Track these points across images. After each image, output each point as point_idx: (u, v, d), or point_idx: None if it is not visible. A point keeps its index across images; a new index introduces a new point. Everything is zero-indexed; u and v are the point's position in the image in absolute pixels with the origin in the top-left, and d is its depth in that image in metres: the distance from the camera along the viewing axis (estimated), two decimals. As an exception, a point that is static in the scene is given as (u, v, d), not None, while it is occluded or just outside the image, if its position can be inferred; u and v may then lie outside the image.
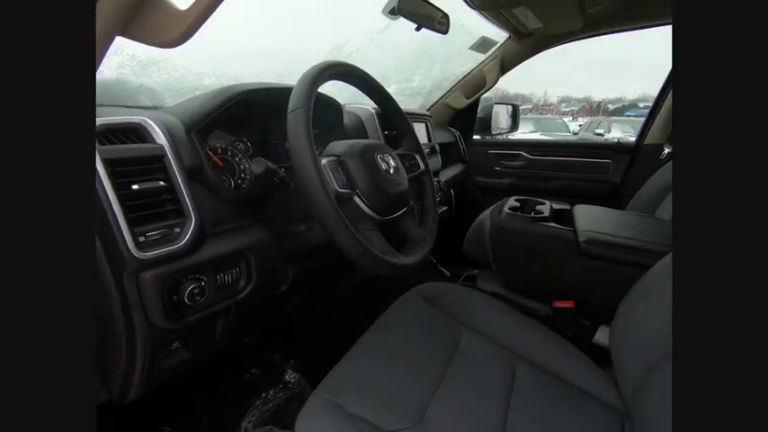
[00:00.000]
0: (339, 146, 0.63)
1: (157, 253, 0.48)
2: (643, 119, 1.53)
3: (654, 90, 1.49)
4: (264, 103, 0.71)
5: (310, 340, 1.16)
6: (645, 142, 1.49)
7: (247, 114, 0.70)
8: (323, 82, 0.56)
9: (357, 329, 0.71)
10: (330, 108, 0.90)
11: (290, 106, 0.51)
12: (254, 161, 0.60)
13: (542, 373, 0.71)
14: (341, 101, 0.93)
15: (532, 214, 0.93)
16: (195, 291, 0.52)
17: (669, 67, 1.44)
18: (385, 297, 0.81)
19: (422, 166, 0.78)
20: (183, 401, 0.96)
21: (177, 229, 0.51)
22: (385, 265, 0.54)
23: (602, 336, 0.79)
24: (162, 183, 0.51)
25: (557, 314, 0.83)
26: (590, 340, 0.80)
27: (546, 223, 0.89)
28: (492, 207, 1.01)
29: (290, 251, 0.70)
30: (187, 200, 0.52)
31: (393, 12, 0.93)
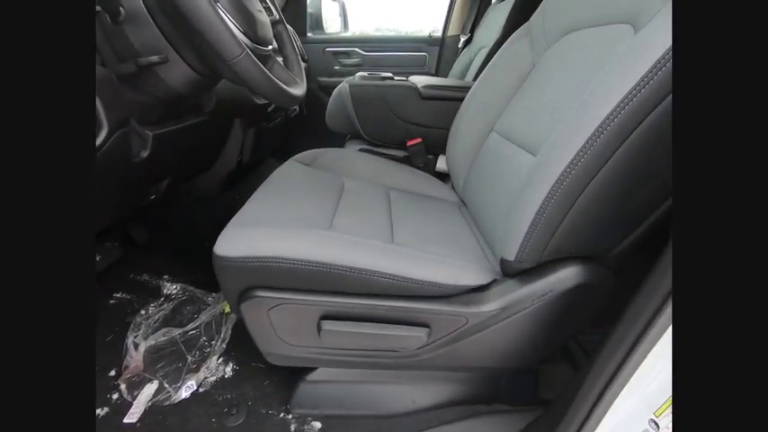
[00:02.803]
0: None
1: None
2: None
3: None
4: None
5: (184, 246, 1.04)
6: (448, 35, 1.84)
7: None
8: None
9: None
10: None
11: None
12: None
13: (408, 193, 0.91)
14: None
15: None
16: None
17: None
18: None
19: (276, 14, 0.75)
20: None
21: None
22: (269, 80, 0.54)
23: (441, 163, 1.06)
24: None
25: (410, 152, 1.04)
26: (434, 169, 1.06)
27: (392, 80, 1.04)
28: (346, 79, 1.09)
29: (140, 103, 0.59)
30: None
31: None
